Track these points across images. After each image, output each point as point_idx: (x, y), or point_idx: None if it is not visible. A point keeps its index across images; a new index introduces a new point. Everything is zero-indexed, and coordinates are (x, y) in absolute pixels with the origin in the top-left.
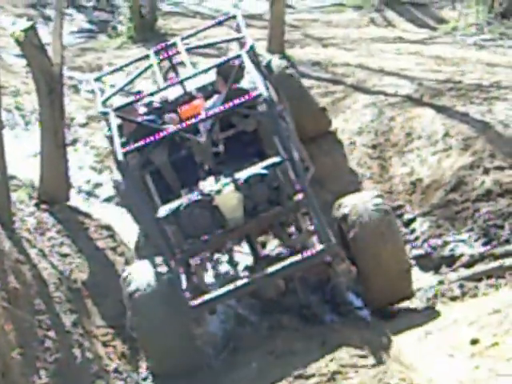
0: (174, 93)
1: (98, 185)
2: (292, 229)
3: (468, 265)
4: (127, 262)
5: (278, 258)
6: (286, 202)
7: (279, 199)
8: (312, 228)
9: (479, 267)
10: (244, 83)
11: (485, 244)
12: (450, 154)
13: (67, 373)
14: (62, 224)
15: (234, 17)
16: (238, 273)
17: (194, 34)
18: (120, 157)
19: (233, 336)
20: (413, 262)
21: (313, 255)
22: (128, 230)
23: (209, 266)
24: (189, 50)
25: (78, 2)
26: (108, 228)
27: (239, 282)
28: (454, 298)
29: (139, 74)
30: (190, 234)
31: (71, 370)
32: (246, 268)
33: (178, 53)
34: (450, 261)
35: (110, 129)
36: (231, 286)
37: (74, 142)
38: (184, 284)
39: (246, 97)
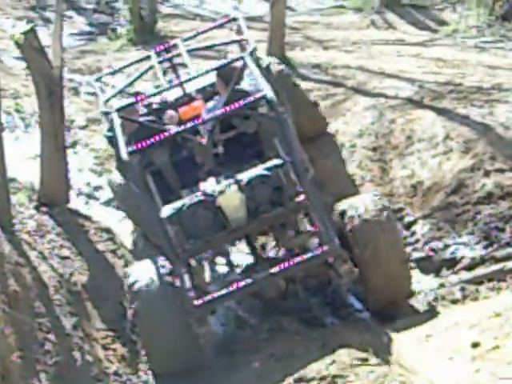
0: (173, 94)
1: (97, 187)
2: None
3: (469, 268)
4: (127, 265)
5: (280, 258)
6: (287, 203)
7: (281, 200)
8: (311, 230)
9: (480, 270)
10: (244, 85)
11: (486, 247)
12: (450, 156)
13: (67, 376)
14: (61, 227)
15: (235, 19)
16: (239, 273)
17: (194, 35)
18: (125, 156)
19: (233, 338)
20: (413, 264)
21: (316, 256)
22: (128, 232)
23: (208, 266)
24: (190, 52)
25: (78, 5)
26: (108, 231)
27: (242, 282)
28: (454, 301)
29: (141, 75)
30: (192, 234)
31: (71, 372)
32: (248, 268)
33: (179, 54)
34: (451, 263)
35: (109, 129)
36: (234, 286)
37: (74, 144)
38: (187, 283)
39: (251, 98)
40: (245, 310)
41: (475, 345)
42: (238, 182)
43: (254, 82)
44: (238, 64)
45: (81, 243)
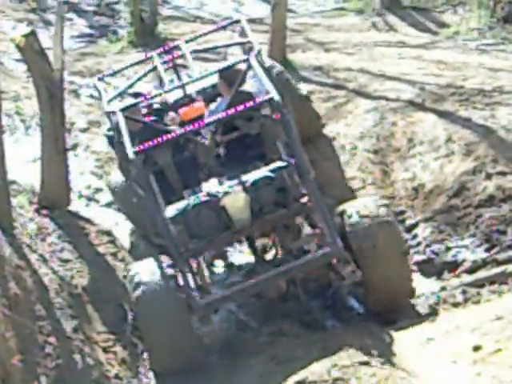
0: (173, 95)
1: (98, 190)
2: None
3: (470, 271)
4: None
5: (283, 260)
6: (291, 204)
7: (285, 202)
8: (313, 232)
9: (482, 273)
10: (246, 87)
11: (487, 250)
12: (452, 159)
13: (68, 379)
14: (62, 229)
15: (238, 21)
16: (241, 274)
17: (197, 37)
18: (131, 155)
19: (234, 341)
20: (415, 267)
21: (320, 257)
22: (127, 234)
23: (206, 268)
24: (193, 53)
25: (79, 7)
26: (108, 233)
27: (246, 283)
28: (456, 304)
29: (145, 75)
30: (196, 234)
31: (72, 376)
32: (249, 270)
33: (182, 55)
34: (453, 266)
35: (110, 128)
36: (238, 287)
37: (75, 147)
38: (192, 283)
39: (258, 100)
40: (246, 313)
41: (477, 348)
42: (242, 183)
43: (256, 84)
44: (242, 66)
45: (81, 246)
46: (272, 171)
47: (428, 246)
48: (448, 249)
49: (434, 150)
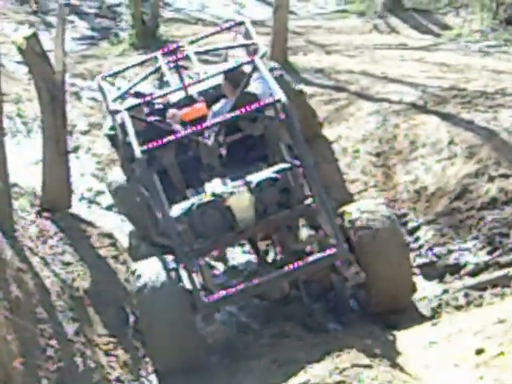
0: (175, 95)
1: (99, 192)
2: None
3: (473, 273)
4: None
5: (286, 261)
6: (295, 205)
7: (289, 203)
8: (315, 233)
9: (484, 276)
10: (251, 89)
11: (490, 252)
12: (454, 161)
13: (69, 382)
14: (63, 232)
15: (242, 23)
16: (243, 275)
17: (201, 38)
18: (138, 154)
19: (236, 343)
20: (417, 270)
21: (325, 258)
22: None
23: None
24: (197, 54)
25: (80, 9)
26: (110, 236)
27: (251, 283)
28: (458, 307)
29: (149, 74)
30: (200, 234)
31: (73, 378)
32: (253, 270)
33: (186, 56)
34: (455, 269)
35: (112, 128)
36: (241, 286)
37: (76, 149)
38: (197, 282)
39: (266, 101)
40: (247, 315)
41: (479, 351)
42: (247, 183)
43: (261, 86)
44: (247, 68)
45: (83, 249)
46: (276, 172)
47: (430, 248)
48: (450, 251)
49: (436, 153)
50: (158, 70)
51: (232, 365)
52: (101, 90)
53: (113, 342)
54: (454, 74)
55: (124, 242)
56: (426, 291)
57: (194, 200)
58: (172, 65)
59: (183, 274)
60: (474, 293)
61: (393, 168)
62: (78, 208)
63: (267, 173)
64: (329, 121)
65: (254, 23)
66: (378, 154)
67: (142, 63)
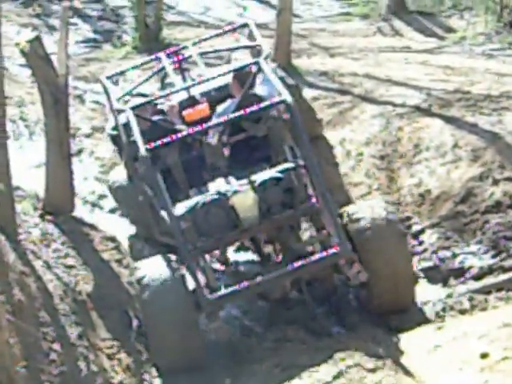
0: (177, 97)
1: (102, 196)
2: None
3: (477, 277)
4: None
5: (287, 260)
6: (298, 205)
7: (292, 203)
8: (315, 233)
9: (489, 280)
10: (257, 90)
11: (494, 256)
12: (458, 165)
13: None
14: (66, 235)
15: (246, 25)
16: (247, 273)
17: (204, 40)
18: (143, 152)
19: (238, 347)
20: (421, 274)
21: (328, 257)
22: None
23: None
24: (201, 55)
25: (83, 12)
26: (113, 240)
27: (254, 281)
28: (463, 311)
29: (153, 75)
30: (204, 232)
31: (76, 382)
32: (256, 269)
33: (190, 57)
34: (459, 273)
35: (114, 127)
36: (245, 284)
37: (79, 152)
38: (201, 280)
39: (271, 102)
40: (251, 319)
41: (484, 355)
42: (251, 182)
43: (266, 88)
44: (253, 68)
45: (86, 252)
46: (281, 172)
47: (434, 252)
48: (454, 255)
49: (440, 156)
50: (161, 70)
51: (235, 368)
52: (104, 89)
53: (116, 345)
54: (458, 76)
55: (127, 245)
56: (430, 295)
57: (198, 198)
58: (175, 66)
59: (186, 272)
60: (479, 296)
61: (397, 171)
62: (81, 211)
63: (271, 172)
64: (333, 124)
65: (258, 26)
66: (381, 157)
67: (145, 63)
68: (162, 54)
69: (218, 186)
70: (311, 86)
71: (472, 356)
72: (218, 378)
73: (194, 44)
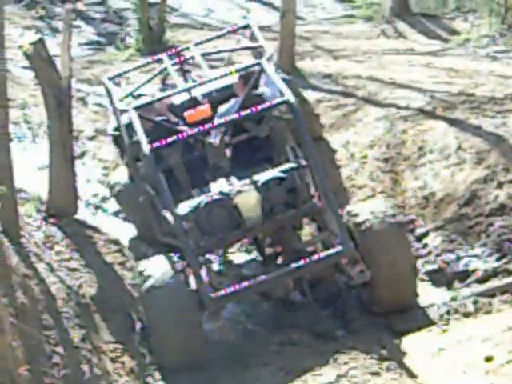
0: (179, 98)
1: (105, 198)
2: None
3: (482, 280)
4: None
5: (290, 259)
6: (301, 205)
7: (295, 202)
8: (317, 233)
9: (493, 283)
10: (262, 90)
11: (499, 259)
12: (463, 167)
13: None
14: (70, 238)
15: (248, 26)
16: (249, 271)
17: (206, 41)
18: (147, 151)
19: (243, 351)
20: (425, 277)
21: (332, 255)
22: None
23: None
24: (204, 56)
25: (86, 14)
26: (116, 242)
27: (257, 279)
28: (467, 314)
29: (156, 75)
30: (207, 232)
31: None
32: (258, 268)
33: (192, 57)
34: (464, 276)
35: (116, 128)
36: (247, 283)
37: (82, 155)
38: (205, 279)
39: (274, 102)
40: (255, 322)
41: (488, 359)
42: (254, 182)
43: (269, 89)
44: (256, 69)
45: (89, 255)
46: (284, 172)
47: (438, 255)
48: (459, 258)
49: (444, 159)
50: (163, 71)
51: (239, 372)
52: (107, 89)
53: (119, 348)
54: (462, 79)
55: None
56: (434, 298)
57: (202, 198)
58: (177, 67)
59: (189, 272)
60: (483, 300)
61: (401, 174)
62: (84, 214)
63: (274, 172)
64: (336, 126)
65: (261, 28)
66: (385, 160)
67: (147, 64)
68: (163, 55)
69: (219, 186)
70: (315, 88)
71: (476, 359)
72: (222, 382)
73: (195, 45)
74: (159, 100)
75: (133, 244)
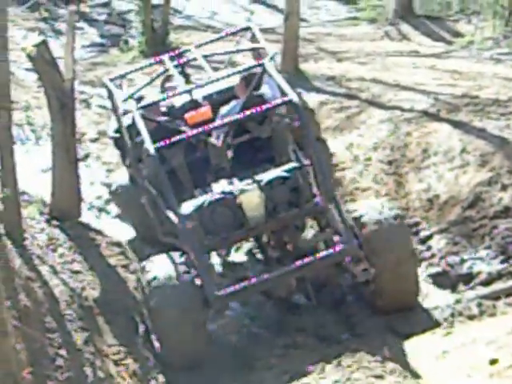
0: (180, 99)
1: (109, 201)
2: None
3: (486, 283)
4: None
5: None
6: (304, 204)
7: (298, 202)
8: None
9: (497, 285)
10: (265, 90)
11: (503, 261)
12: (467, 170)
13: None
14: (73, 241)
15: (248, 28)
16: (252, 270)
17: (207, 42)
18: (152, 151)
19: (247, 354)
20: (429, 279)
21: (335, 254)
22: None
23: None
24: (205, 57)
25: (90, 16)
26: (119, 245)
27: (261, 277)
28: (471, 317)
29: (157, 76)
30: (210, 231)
31: None
32: (261, 267)
33: (194, 59)
34: (468, 279)
35: (117, 130)
36: (253, 281)
37: (85, 157)
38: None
39: (277, 102)
40: (259, 325)
41: (493, 362)
42: (258, 181)
43: (271, 90)
44: (258, 70)
45: (92, 257)
46: (287, 171)
47: (443, 257)
48: (463, 261)
49: (448, 161)
50: (165, 71)
51: (244, 375)
52: (108, 91)
53: (122, 351)
54: (466, 81)
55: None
56: (438, 300)
57: (205, 198)
58: (179, 69)
59: (193, 271)
60: (487, 302)
61: (405, 176)
62: (87, 216)
63: (277, 171)
64: (340, 128)
65: (264, 30)
66: (389, 162)
67: (149, 66)
68: (165, 57)
69: (221, 186)
70: (318, 90)
71: (481, 362)
72: None
73: (196, 47)
74: (161, 101)
75: (133, 245)
